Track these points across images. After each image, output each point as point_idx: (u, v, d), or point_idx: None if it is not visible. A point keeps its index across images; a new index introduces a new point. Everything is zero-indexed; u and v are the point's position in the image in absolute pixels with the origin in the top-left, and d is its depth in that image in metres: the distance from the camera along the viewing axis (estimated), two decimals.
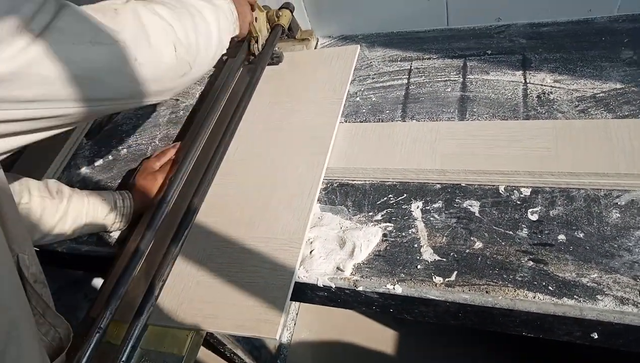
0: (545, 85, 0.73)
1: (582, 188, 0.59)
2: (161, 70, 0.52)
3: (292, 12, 0.93)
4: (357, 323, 1.32)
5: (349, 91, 0.84)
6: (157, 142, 0.90)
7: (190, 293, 0.61)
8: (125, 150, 0.91)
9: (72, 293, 1.28)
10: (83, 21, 0.44)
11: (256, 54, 0.89)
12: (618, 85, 0.69)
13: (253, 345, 1.10)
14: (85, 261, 0.77)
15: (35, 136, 0.46)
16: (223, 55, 1.03)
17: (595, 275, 0.52)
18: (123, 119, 0.98)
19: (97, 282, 1.35)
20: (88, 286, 1.31)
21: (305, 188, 0.68)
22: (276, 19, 0.90)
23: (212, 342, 0.87)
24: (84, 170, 0.90)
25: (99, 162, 0.90)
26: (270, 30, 0.91)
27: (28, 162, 0.93)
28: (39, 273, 0.46)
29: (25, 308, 0.42)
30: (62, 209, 0.66)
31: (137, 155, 0.89)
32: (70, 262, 0.80)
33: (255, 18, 0.85)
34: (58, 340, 0.46)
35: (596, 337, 0.52)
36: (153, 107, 0.98)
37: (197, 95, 0.97)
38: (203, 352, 1.04)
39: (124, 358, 0.53)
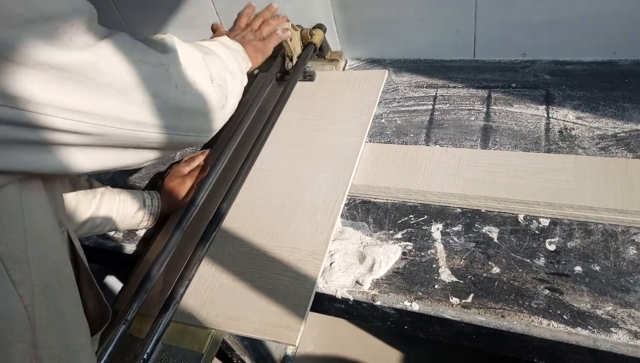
0: (567, 121, 0.75)
1: (601, 223, 0.61)
2: (201, 100, 0.51)
3: (324, 32, 0.96)
4: (362, 340, 1.32)
5: (374, 113, 0.87)
6: (186, 150, 0.93)
7: (213, 295, 0.63)
8: None
9: None
10: (132, 43, 0.44)
11: (288, 69, 0.92)
12: (639, 126, 0.71)
13: (260, 354, 1.11)
14: (109, 256, 0.80)
15: (110, 157, 0.43)
16: (254, 69, 1.08)
17: (610, 308, 0.54)
18: None
19: (109, 279, 1.37)
20: (100, 282, 1.33)
21: (329, 204, 0.71)
22: (309, 38, 0.93)
23: (221, 347, 0.88)
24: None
25: None
26: (303, 48, 0.94)
27: None
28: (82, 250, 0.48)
29: (70, 279, 0.44)
30: (95, 205, 0.68)
31: (165, 158, 0.92)
32: (94, 256, 0.82)
33: (290, 38, 0.88)
34: (99, 317, 0.48)
35: None
36: None
37: None
38: None
39: (147, 351, 0.55)
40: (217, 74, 0.56)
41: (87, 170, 0.42)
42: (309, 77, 0.93)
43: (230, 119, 0.93)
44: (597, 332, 0.52)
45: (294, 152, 0.81)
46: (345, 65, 1.02)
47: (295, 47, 0.91)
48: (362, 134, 0.80)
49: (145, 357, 0.55)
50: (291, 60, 0.90)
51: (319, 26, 0.96)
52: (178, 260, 0.68)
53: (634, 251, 0.58)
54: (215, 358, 1.07)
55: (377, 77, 0.92)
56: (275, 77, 0.94)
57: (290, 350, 1.32)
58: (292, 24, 0.89)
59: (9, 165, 0.34)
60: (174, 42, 0.50)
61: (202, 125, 0.53)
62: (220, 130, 0.92)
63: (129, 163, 0.46)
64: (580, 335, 0.52)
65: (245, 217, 0.73)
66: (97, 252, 0.80)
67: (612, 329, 0.52)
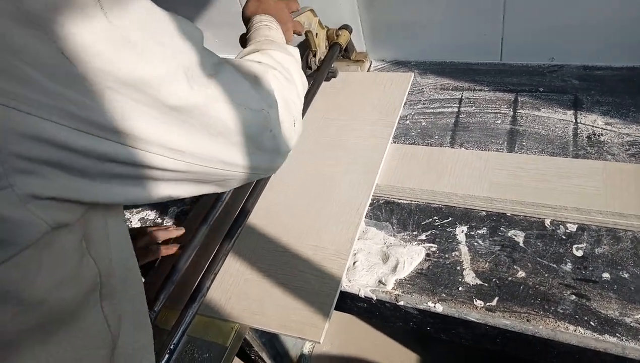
0: (596, 127, 0.74)
1: (630, 230, 0.60)
2: (287, 143, 0.51)
3: (350, 33, 0.97)
4: (379, 342, 1.32)
5: (400, 114, 0.87)
6: None
7: (238, 289, 0.64)
8: None
9: None
10: (237, 82, 0.43)
11: (312, 67, 0.93)
12: None
13: (277, 351, 1.12)
14: None
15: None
16: None
17: None
18: None
19: None
20: None
21: (354, 204, 0.71)
22: (335, 38, 0.94)
23: None
24: None
25: None
26: (328, 48, 0.95)
27: None
28: None
29: (144, 303, 0.44)
30: None
31: None
32: None
33: (316, 34, 0.89)
34: None
35: None
36: None
37: None
38: None
39: (174, 342, 0.56)
40: (296, 110, 0.54)
41: (168, 199, 0.41)
42: (331, 73, 0.93)
43: None
44: (626, 340, 0.51)
45: (320, 152, 0.81)
46: (370, 66, 1.02)
47: (321, 44, 0.91)
48: (387, 136, 0.80)
49: (172, 347, 0.56)
50: (315, 56, 0.90)
51: (345, 27, 0.96)
52: (203, 254, 0.69)
53: None
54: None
55: (402, 79, 0.92)
56: None
57: (306, 349, 1.33)
58: (319, 21, 0.90)
59: (104, 198, 0.33)
60: (269, 79, 0.48)
61: (278, 163, 0.53)
62: None
63: (201, 193, 0.45)
64: (608, 342, 0.52)
65: (270, 215, 0.73)
66: None
67: None
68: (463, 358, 1.27)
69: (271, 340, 1.11)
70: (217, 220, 0.70)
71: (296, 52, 0.62)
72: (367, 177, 0.74)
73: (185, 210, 0.82)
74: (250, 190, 0.73)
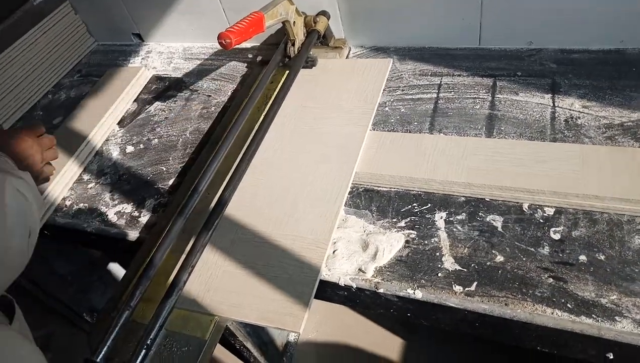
0: (573, 110, 0.74)
1: (606, 212, 0.61)
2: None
3: (328, 19, 0.95)
4: (364, 328, 1.33)
5: (378, 100, 0.86)
6: (187, 135, 0.92)
7: (216, 282, 0.63)
8: (156, 140, 0.94)
9: (87, 275, 1.30)
10: None
11: (291, 56, 0.91)
12: None
13: (262, 340, 1.12)
14: (111, 243, 0.80)
15: None
16: (255, 55, 1.07)
17: (615, 297, 0.53)
18: (155, 110, 1.01)
19: (112, 266, 1.38)
20: (103, 269, 1.34)
21: (333, 193, 0.70)
22: (313, 25, 0.93)
23: (223, 333, 0.89)
24: (116, 156, 0.93)
25: (130, 149, 0.93)
26: (306, 35, 0.93)
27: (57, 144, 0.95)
28: None
29: None
30: None
31: (167, 145, 0.91)
32: (97, 243, 0.82)
33: (294, 22, 0.88)
34: None
35: (611, 357, 0.53)
36: (185, 101, 1.01)
37: (229, 93, 0.99)
38: None
39: (151, 337, 0.55)
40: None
41: None
42: (311, 62, 0.92)
43: (232, 106, 0.93)
44: (602, 321, 0.52)
45: (297, 140, 0.80)
46: (349, 53, 1.01)
47: (298, 33, 0.90)
48: (366, 123, 0.80)
49: (148, 342, 0.55)
50: (293, 45, 0.89)
51: (323, 13, 0.95)
52: (181, 246, 0.68)
53: (639, 240, 0.57)
54: (218, 345, 1.08)
55: (381, 65, 0.91)
56: (278, 64, 0.93)
57: (292, 337, 1.33)
58: (296, 9, 0.88)
59: None
60: None
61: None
62: (220, 118, 0.93)
63: None
64: (585, 324, 0.52)
65: (248, 204, 0.72)
66: (100, 238, 0.80)
67: (617, 318, 0.52)
68: (449, 342, 1.28)
69: (256, 330, 1.10)
70: (194, 212, 0.69)
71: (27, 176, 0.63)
72: (345, 165, 0.74)
73: (162, 202, 0.81)
74: (227, 180, 0.72)
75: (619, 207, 0.60)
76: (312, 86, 0.90)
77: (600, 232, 0.59)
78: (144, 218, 0.79)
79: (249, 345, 0.94)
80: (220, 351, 1.10)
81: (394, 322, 1.33)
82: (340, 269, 0.64)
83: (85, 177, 0.91)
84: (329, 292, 0.66)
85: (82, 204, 0.85)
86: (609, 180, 0.61)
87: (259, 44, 1.11)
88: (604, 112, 0.73)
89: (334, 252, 0.66)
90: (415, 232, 0.66)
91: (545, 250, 0.59)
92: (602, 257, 0.57)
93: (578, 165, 0.64)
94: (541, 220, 0.62)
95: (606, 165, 0.63)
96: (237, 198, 0.72)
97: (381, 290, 0.61)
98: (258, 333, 1.10)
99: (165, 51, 1.19)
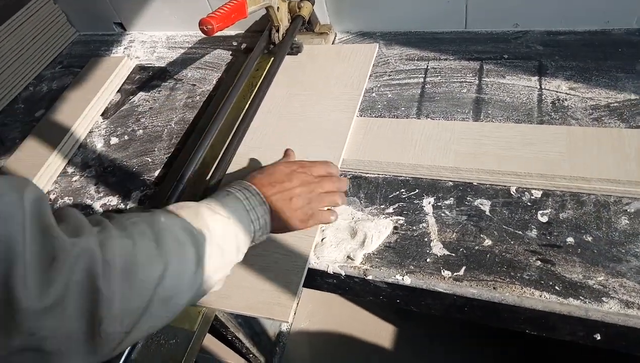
0: (560, 92, 0.74)
1: (593, 194, 0.61)
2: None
3: (312, 4, 0.94)
4: (356, 316, 1.33)
5: (365, 87, 0.85)
6: (172, 125, 0.91)
7: None
8: (141, 130, 0.92)
9: None
10: None
11: (276, 43, 0.90)
12: (632, 96, 0.70)
13: (254, 331, 1.12)
14: None
15: None
16: (240, 42, 1.05)
17: (602, 278, 0.54)
18: (140, 100, 1.00)
19: None
20: None
21: None
22: (297, 10, 0.91)
23: (214, 324, 0.88)
24: (100, 148, 0.91)
25: (115, 140, 0.92)
26: (290, 21, 0.92)
27: (39, 137, 0.93)
28: None
29: None
30: None
31: (152, 136, 0.90)
32: None
33: (277, 8, 0.86)
34: None
35: (599, 338, 0.53)
36: (169, 91, 0.99)
37: (214, 82, 0.98)
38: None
39: None
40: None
41: None
42: (296, 49, 0.91)
43: (217, 94, 0.92)
44: (589, 302, 0.52)
45: (284, 127, 0.79)
46: (334, 38, 0.99)
47: (282, 18, 0.88)
48: (352, 109, 0.79)
49: None
50: (277, 31, 0.88)
51: None
52: None
53: (626, 221, 0.57)
54: (210, 336, 1.08)
55: (367, 51, 0.90)
56: (263, 51, 0.92)
57: (284, 327, 1.33)
58: None
59: None
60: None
61: None
62: (205, 107, 0.91)
63: None
64: (572, 306, 0.52)
65: None
66: None
67: (604, 299, 0.52)
68: (440, 328, 1.29)
69: (248, 320, 1.10)
70: (180, 201, 0.68)
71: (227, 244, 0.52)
72: (332, 151, 0.73)
73: (149, 194, 0.80)
74: (213, 169, 0.71)
75: (606, 188, 0.60)
76: (298, 73, 0.89)
77: (587, 213, 0.59)
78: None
79: (240, 336, 0.93)
80: (212, 342, 1.10)
81: (386, 310, 1.33)
82: (328, 257, 0.63)
83: (70, 169, 0.89)
84: (318, 280, 0.65)
85: (66, 198, 0.84)
86: (596, 162, 0.61)
87: (243, 32, 1.09)
88: (591, 93, 0.73)
89: (322, 240, 0.65)
90: (404, 218, 0.65)
91: (533, 233, 0.59)
92: (590, 239, 0.57)
93: (565, 147, 0.64)
94: (529, 203, 0.62)
95: (593, 146, 0.63)
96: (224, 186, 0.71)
97: (370, 277, 0.61)
98: (250, 324, 1.10)
99: (149, 40, 1.17)
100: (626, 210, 0.58)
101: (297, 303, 0.58)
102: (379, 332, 1.29)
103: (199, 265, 0.47)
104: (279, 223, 0.58)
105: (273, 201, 0.57)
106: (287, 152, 0.69)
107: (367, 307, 1.36)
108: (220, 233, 0.51)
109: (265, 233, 0.57)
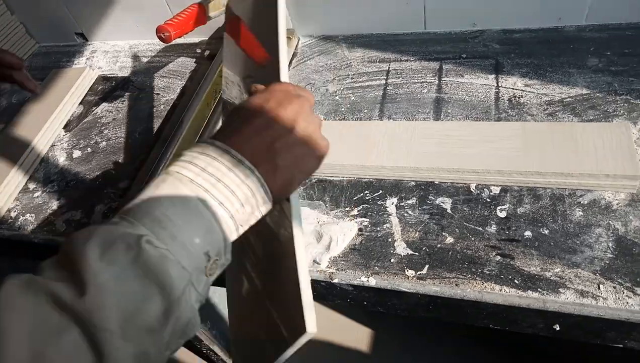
0: (516, 89, 0.76)
1: (548, 188, 0.62)
2: None
3: None
4: (333, 321, 1.33)
5: (328, 90, 0.86)
6: (137, 135, 0.90)
7: None
8: (104, 142, 0.91)
9: None
10: None
11: None
12: (584, 91, 0.72)
13: (229, 342, 1.11)
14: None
15: None
16: (204, 49, 1.05)
17: (559, 269, 0.55)
18: (103, 111, 0.98)
19: None
20: None
21: None
22: None
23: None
24: (62, 162, 0.90)
25: (78, 154, 0.90)
26: None
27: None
28: None
29: None
30: None
31: (116, 147, 0.89)
32: (47, 254, 0.79)
33: None
34: None
35: (558, 328, 0.55)
36: (133, 101, 0.98)
37: (178, 90, 0.97)
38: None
39: None
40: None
41: None
42: None
43: (181, 103, 0.91)
44: (547, 294, 0.53)
45: None
46: (298, 43, 1.00)
47: None
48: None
49: None
50: None
51: None
52: None
53: (580, 213, 0.59)
54: (185, 349, 1.07)
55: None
56: None
57: None
58: None
59: None
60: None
61: None
62: (169, 116, 0.91)
63: None
64: (531, 298, 0.53)
65: None
66: (49, 249, 0.77)
67: (561, 290, 0.53)
68: (416, 329, 1.30)
69: (224, 333, 1.09)
70: None
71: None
72: None
73: (113, 207, 0.78)
74: None
75: (560, 181, 0.61)
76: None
77: (543, 207, 0.61)
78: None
79: (215, 349, 0.93)
80: (188, 356, 1.09)
81: (361, 313, 1.34)
82: None
83: (31, 186, 0.87)
84: None
85: (28, 215, 0.82)
86: (550, 156, 0.63)
87: (207, 38, 1.08)
88: (545, 89, 0.74)
89: None
90: (368, 220, 0.66)
91: (493, 228, 0.60)
92: (546, 232, 0.59)
93: (521, 143, 0.65)
94: (488, 199, 0.63)
95: (547, 141, 0.64)
96: None
97: (336, 281, 0.61)
98: (225, 336, 1.09)
99: (111, 50, 1.15)
100: (580, 202, 0.60)
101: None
102: (355, 335, 1.30)
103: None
104: (287, 175, 0.44)
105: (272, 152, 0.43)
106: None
107: (344, 311, 1.36)
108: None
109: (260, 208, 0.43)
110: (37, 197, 0.85)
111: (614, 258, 0.54)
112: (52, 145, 0.94)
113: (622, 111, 0.68)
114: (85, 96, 1.03)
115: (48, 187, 0.86)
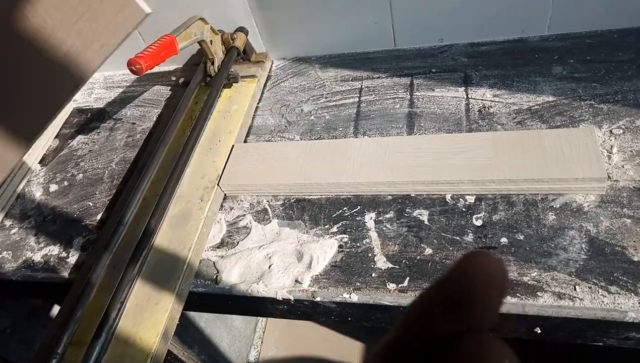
0: (485, 100, 0.78)
1: (521, 194, 0.64)
2: None
3: (246, 35, 0.95)
4: (324, 336, 1.33)
5: (303, 110, 0.87)
6: (114, 166, 0.90)
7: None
8: (81, 175, 0.90)
9: (30, 325, 1.23)
10: None
11: (212, 75, 0.91)
12: (550, 98, 0.74)
13: (216, 362, 1.10)
14: (41, 289, 0.76)
15: None
16: (178, 77, 1.06)
17: (535, 273, 0.56)
18: (79, 143, 0.98)
19: (56, 311, 1.31)
20: (46, 317, 1.27)
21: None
22: (231, 42, 0.92)
23: (168, 359, 0.86)
24: (39, 196, 0.89)
25: (54, 188, 0.89)
26: (225, 53, 0.93)
27: None
28: None
29: None
30: None
31: (93, 179, 0.88)
32: (26, 291, 0.78)
33: (211, 41, 0.87)
34: None
35: (539, 331, 0.55)
36: (109, 132, 0.98)
37: (154, 118, 0.97)
38: None
39: None
40: None
41: None
42: (233, 79, 0.92)
43: (157, 132, 0.91)
44: (525, 298, 0.54)
45: None
46: (271, 66, 1.01)
47: (217, 51, 0.90)
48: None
49: None
50: (213, 63, 0.89)
51: (241, 29, 0.95)
52: (113, 283, 0.65)
53: (553, 217, 0.60)
54: None
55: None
56: (200, 84, 0.92)
57: (252, 357, 1.31)
58: (211, 28, 0.88)
59: None
60: None
61: None
62: (146, 145, 0.91)
63: None
64: (510, 304, 0.54)
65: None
66: (28, 285, 0.76)
67: (539, 293, 0.54)
68: None
69: (212, 356, 1.08)
70: (120, 245, 0.67)
71: None
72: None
73: (91, 239, 0.78)
74: (153, 208, 0.70)
75: (532, 187, 0.63)
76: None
77: (517, 213, 0.62)
78: (73, 258, 0.75)
79: None
80: None
81: (352, 328, 1.34)
82: (276, 283, 0.64)
83: (8, 222, 0.86)
84: (270, 307, 0.65)
85: (5, 252, 0.80)
86: (521, 163, 0.64)
87: (181, 66, 1.09)
88: (513, 98, 0.76)
89: (269, 267, 0.66)
90: (348, 236, 0.66)
91: (470, 237, 0.61)
92: (522, 237, 0.60)
93: (492, 151, 0.67)
94: (463, 209, 0.64)
95: (517, 149, 0.66)
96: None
97: (318, 299, 0.61)
98: (215, 359, 1.08)
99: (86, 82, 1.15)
100: (552, 206, 0.61)
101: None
102: (346, 349, 1.29)
103: None
104: None
105: None
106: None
107: (335, 327, 1.36)
108: None
109: None
110: (14, 233, 0.83)
111: (588, 259, 0.55)
112: (29, 181, 0.93)
113: (587, 116, 0.70)
114: (60, 130, 1.03)
115: (25, 222, 0.85)
